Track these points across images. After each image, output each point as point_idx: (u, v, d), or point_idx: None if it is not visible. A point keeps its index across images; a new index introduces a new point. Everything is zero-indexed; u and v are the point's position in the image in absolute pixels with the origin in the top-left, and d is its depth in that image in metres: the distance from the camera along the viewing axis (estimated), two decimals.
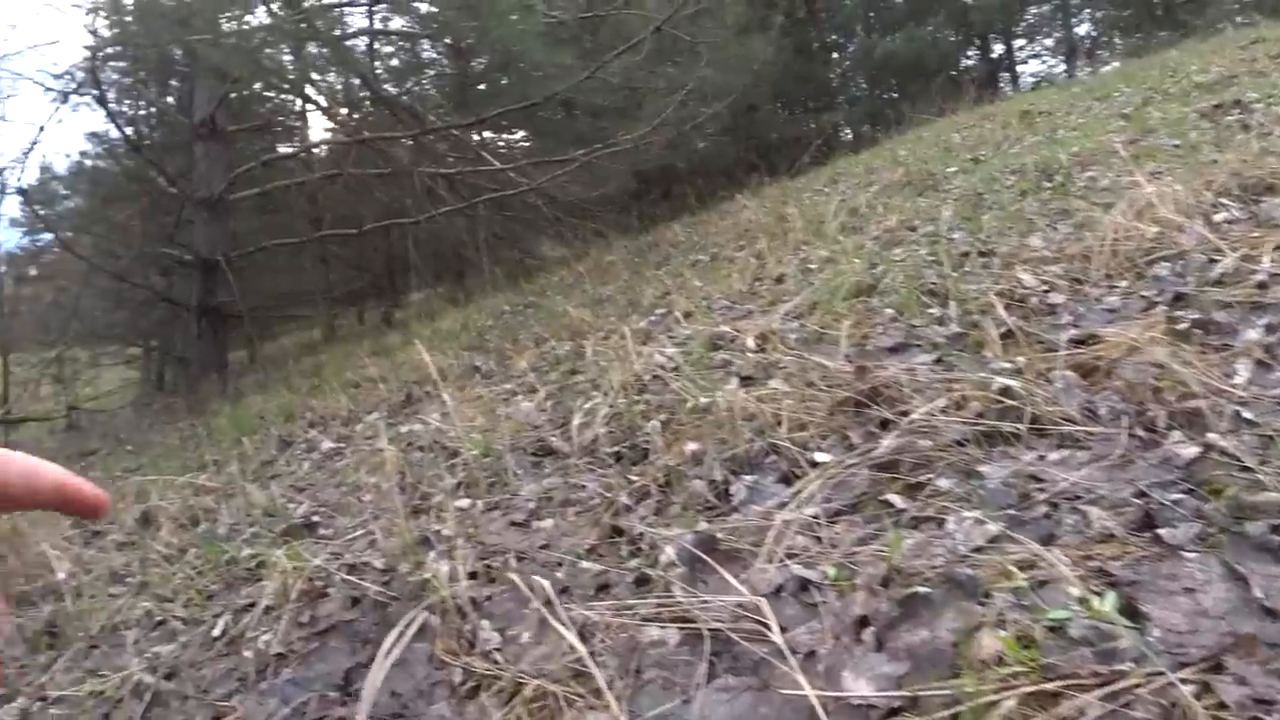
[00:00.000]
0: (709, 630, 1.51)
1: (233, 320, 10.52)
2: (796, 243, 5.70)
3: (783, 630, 1.46)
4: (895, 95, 20.48)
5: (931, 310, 3.07)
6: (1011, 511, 1.57)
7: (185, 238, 10.63)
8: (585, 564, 1.94)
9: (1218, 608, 1.19)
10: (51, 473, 0.42)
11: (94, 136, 16.14)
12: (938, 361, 2.52)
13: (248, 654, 2.01)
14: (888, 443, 1.95)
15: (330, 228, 11.50)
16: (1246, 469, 1.51)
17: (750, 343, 3.36)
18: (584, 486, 2.46)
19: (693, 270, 6.54)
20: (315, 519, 2.94)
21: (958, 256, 3.78)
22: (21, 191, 10.42)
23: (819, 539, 1.74)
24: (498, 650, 1.69)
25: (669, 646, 1.52)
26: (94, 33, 11.99)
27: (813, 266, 4.76)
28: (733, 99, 11.87)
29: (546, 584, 1.75)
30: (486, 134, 14.50)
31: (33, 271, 16.56)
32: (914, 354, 2.70)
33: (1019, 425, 1.88)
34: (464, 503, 2.65)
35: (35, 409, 11.30)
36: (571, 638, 1.55)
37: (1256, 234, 2.72)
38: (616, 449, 2.62)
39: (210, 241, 10.12)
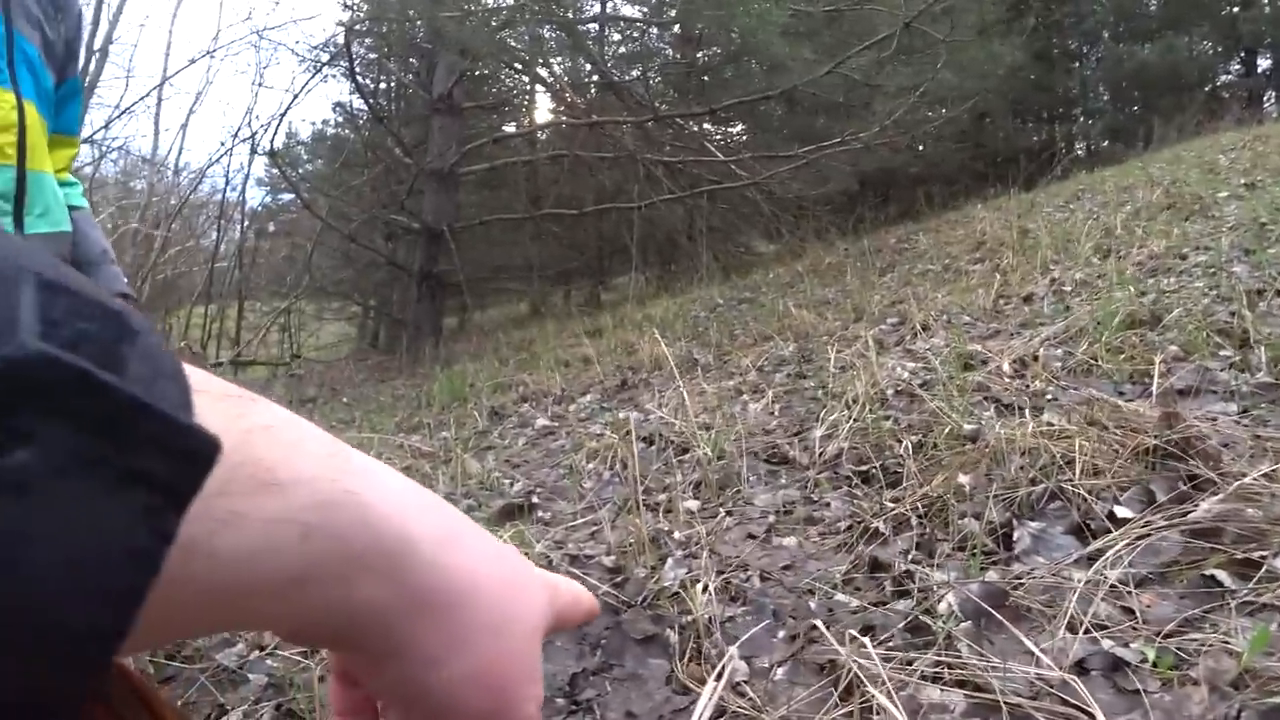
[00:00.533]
0: (1006, 704, 1.30)
1: (450, 288, 10.88)
2: (1044, 261, 5.29)
3: None
4: (1141, 110, 19.00)
5: (1225, 353, 2.71)
6: None
7: (414, 206, 11.06)
8: (841, 596, 1.75)
9: None
10: (586, 598, 0.43)
11: (338, 106, 17.18)
12: (1244, 413, 2.19)
13: None
14: (1206, 506, 1.67)
15: (550, 207, 11.69)
16: None
17: (1007, 367, 3.08)
18: (828, 505, 2.28)
19: (924, 280, 6.21)
20: (534, 499, 2.88)
21: (1250, 294, 3.35)
22: (271, 153, 11.11)
23: (1128, 610, 1.50)
24: (746, 683, 1.53)
25: (954, 714, 1.32)
26: (350, 8, 12.69)
27: (1067, 289, 4.39)
28: (971, 103, 11.28)
29: (819, 622, 1.58)
30: (706, 125, 14.43)
31: (271, 228, 17.79)
32: (1209, 401, 2.37)
33: None
34: (693, 504, 2.52)
35: (262, 355, 12.11)
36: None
37: None
38: (864, 468, 2.42)
39: (437, 211, 10.48)
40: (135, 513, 0.22)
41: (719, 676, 1.51)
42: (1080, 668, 1.38)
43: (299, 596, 0.29)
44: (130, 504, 0.21)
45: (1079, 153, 19.11)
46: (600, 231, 13.42)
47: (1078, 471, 1.93)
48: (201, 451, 0.23)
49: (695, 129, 12.09)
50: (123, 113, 14.02)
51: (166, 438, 0.22)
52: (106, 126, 13.30)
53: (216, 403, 0.26)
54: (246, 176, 19.92)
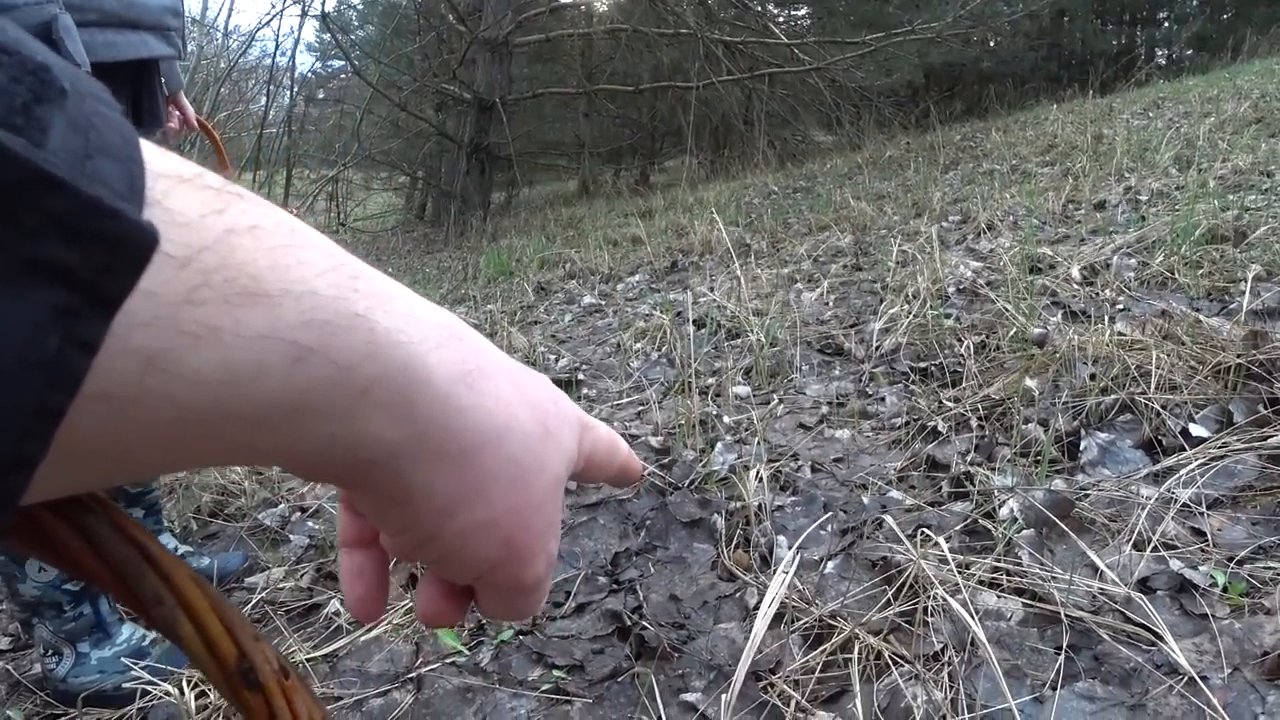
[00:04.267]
0: (1067, 617, 1.26)
1: (500, 161, 10.70)
2: (1119, 168, 5.07)
3: (1158, 638, 1.19)
4: (1232, 18, 17.98)
5: None
6: None
7: (465, 76, 10.80)
8: (895, 493, 1.71)
9: None
10: (624, 451, 0.40)
11: None
12: None
13: None
14: None
15: (605, 83, 11.38)
16: None
17: (1076, 273, 2.96)
18: (883, 400, 2.22)
19: (990, 180, 6.00)
20: (580, 376, 2.85)
21: None
22: (322, 16, 10.85)
23: (1198, 531, 1.43)
24: (796, 574, 1.50)
25: (1010, 623, 1.28)
26: None
27: (1142, 199, 4.20)
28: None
29: (887, 518, 1.53)
30: (770, 6, 13.90)
31: (321, 95, 17.55)
32: None
33: None
34: (743, 390, 2.47)
35: (309, 223, 12.07)
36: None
37: None
38: (923, 365, 2.35)
39: (489, 82, 10.24)
40: (43, 315, 0.17)
41: (781, 569, 1.47)
42: (1145, 586, 1.33)
43: (295, 430, 0.25)
44: (36, 303, 0.17)
45: (1160, 60, 18.26)
46: (655, 111, 13.10)
47: (1153, 385, 1.85)
48: (131, 242, 0.18)
49: (759, 8, 11.64)
50: None
51: (80, 221, 0.17)
52: None
53: (192, 193, 0.22)
54: (297, 41, 19.55)
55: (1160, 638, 1.16)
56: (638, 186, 11.94)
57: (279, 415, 0.25)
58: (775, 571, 1.43)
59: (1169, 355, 1.92)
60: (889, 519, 1.52)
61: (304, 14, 12.26)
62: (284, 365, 0.24)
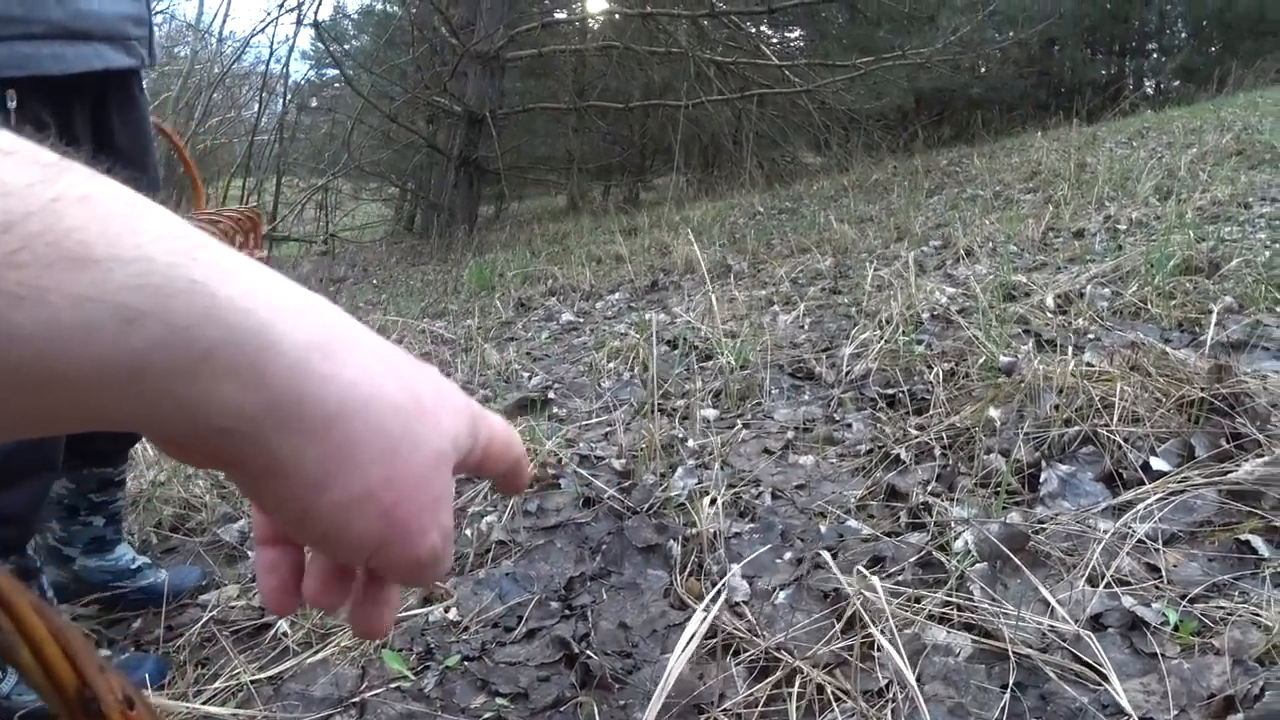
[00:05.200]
0: (1015, 654, 1.24)
1: (488, 175, 10.69)
2: (1100, 197, 5.09)
3: (1102, 678, 1.18)
4: (1219, 50, 18.13)
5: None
6: None
7: (456, 89, 10.80)
8: (852, 522, 1.69)
9: None
10: (519, 453, 0.41)
11: None
12: None
13: (469, 533, 1.91)
14: (1249, 467, 1.57)
15: (596, 100, 11.40)
16: None
17: (1050, 301, 2.96)
18: (850, 426, 2.20)
19: (972, 205, 6.02)
20: (550, 395, 2.83)
21: None
22: (316, 25, 10.84)
23: (1153, 568, 1.42)
24: (746, 604, 1.48)
25: (959, 659, 1.26)
26: None
27: (1121, 228, 4.22)
28: (1042, 27, 10.80)
29: (824, 551, 1.51)
30: (764, 28, 13.95)
31: (314, 103, 17.52)
32: (1261, 358, 2.24)
33: None
34: (711, 413, 2.45)
35: (298, 231, 12.06)
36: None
37: None
38: (891, 391, 2.34)
39: (480, 95, 10.23)
40: None
41: (715, 598, 1.45)
42: (1097, 623, 1.31)
43: (139, 392, 0.26)
44: None
45: (1148, 90, 18.39)
46: (644, 129, 13.12)
47: (1115, 417, 1.84)
48: None
49: (752, 29, 11.68)
50: None
51: None
52: None
53: (17, 166, 0.24)
54: (291, 49, 19.61)
55: (1105, 678, 1.15)
56: (626, 204, 11.95)
57: (119, 377, 0.25)
58: (714, 601, 1.41)
59: (1134, 387, 1.91)
60: (825, 554, 1.50)
61: (299, 22, 12.27)
62: (115, 326, 0.25)
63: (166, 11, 15.14)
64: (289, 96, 14.64)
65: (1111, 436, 1.78)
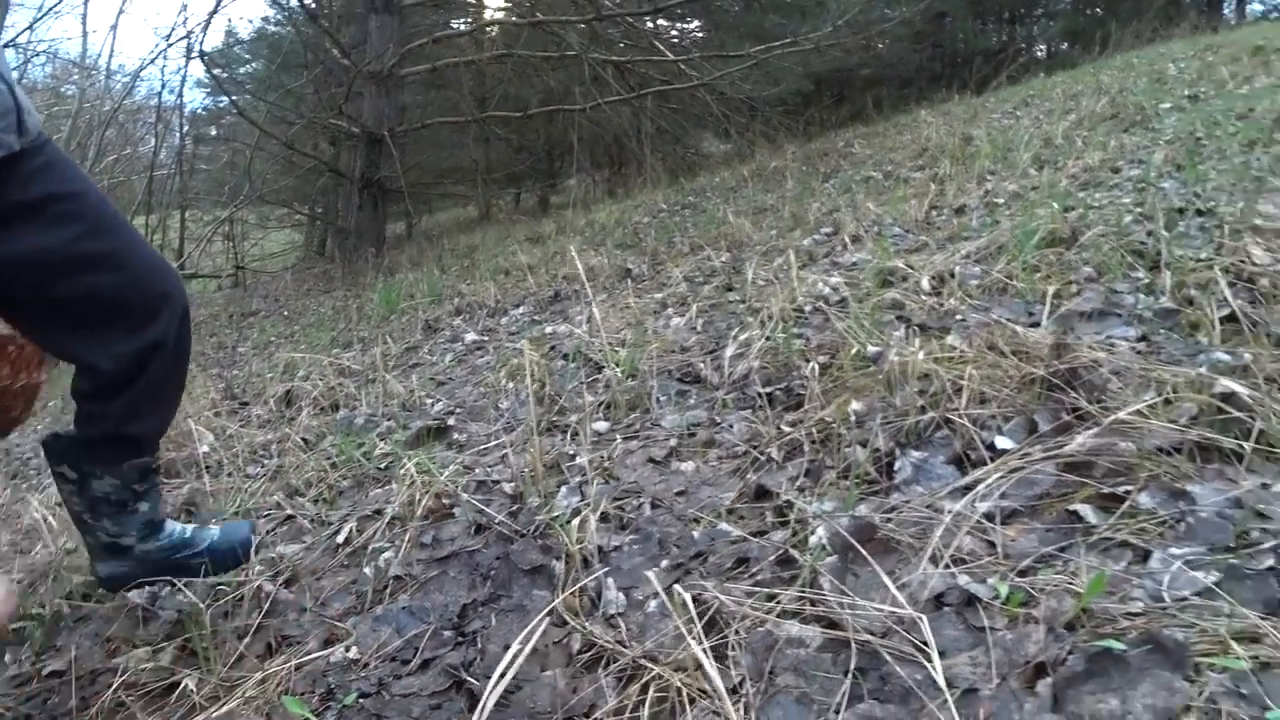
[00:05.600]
0: (857, 641, 1.33)
1: (394, 194, 10.64)
2: (981, 171, 5.28)
3: (941, 655, 1.27)
4: (1102, 12, 18.75)
5: (1137, 274, 2.72)
6: (1230, 559, 1.31)
7: (354, 110, 10.74)
8: (724, 525, 1.77)
9: None
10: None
11: (275, 3, 16.45)
12: (1142, 340, 2.21)
13: (368, 570, 1.95)
14: (1082, 439, 1.69)
15: (496, 108, 11.39)
16: None
17: (925, 284, 3.08)
18: (730, 427, 2.29)
19: (864, 187, 6.18)
20: (450, 421, 2.88)
21: (1170, 212, 3.36)
22: (202, 55, 10.66)
23: (991, 544, 1.52)
24: (620, 616, 1.55)
25: (809, 650, 1.35)
26: None
27: (999, 201, 4.38)
28: (928, 2, 11.07)
29: (682, 556, 1.59)
30: (661, 21, 14.05)
31: (212, 132, 17.17)
32: (1113, 324, 2.38)
33: (1243, 443, 1.59)
34: (602, 425, 2.52)
35: (206, 265, 11.86)
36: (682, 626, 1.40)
37: None
38: (770, 389, 2.43)
39: (377, 115, 10.18)
40: None
41: (579, 613, 1.52)
42: (939, 602, 1.41)
43: None
44: None
45: (1038, 54, 18.91)
46: (549, 134, 13.15)
47: (964, 400, 1.95)
48: None
49: (648, 25, 11.78)
50: (47, 13, 13.37)
51: None
52: (31, 28, 12.69)
53: None
54: (184, 79, 19.19)
55: (928, 652, 1.24)
56: (537, 210, 11.98)
57: None
58: (585, 615, 1.48)
59: (983, 369, 2.03)
60: (664, 564, 1.58)
61: (188, 52, 12.06)
62: None
63: (49, 50, 14.73)
64: (184, 128, 14.37)
65: (961, 420, 1.89)
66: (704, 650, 1.36)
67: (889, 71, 15.71)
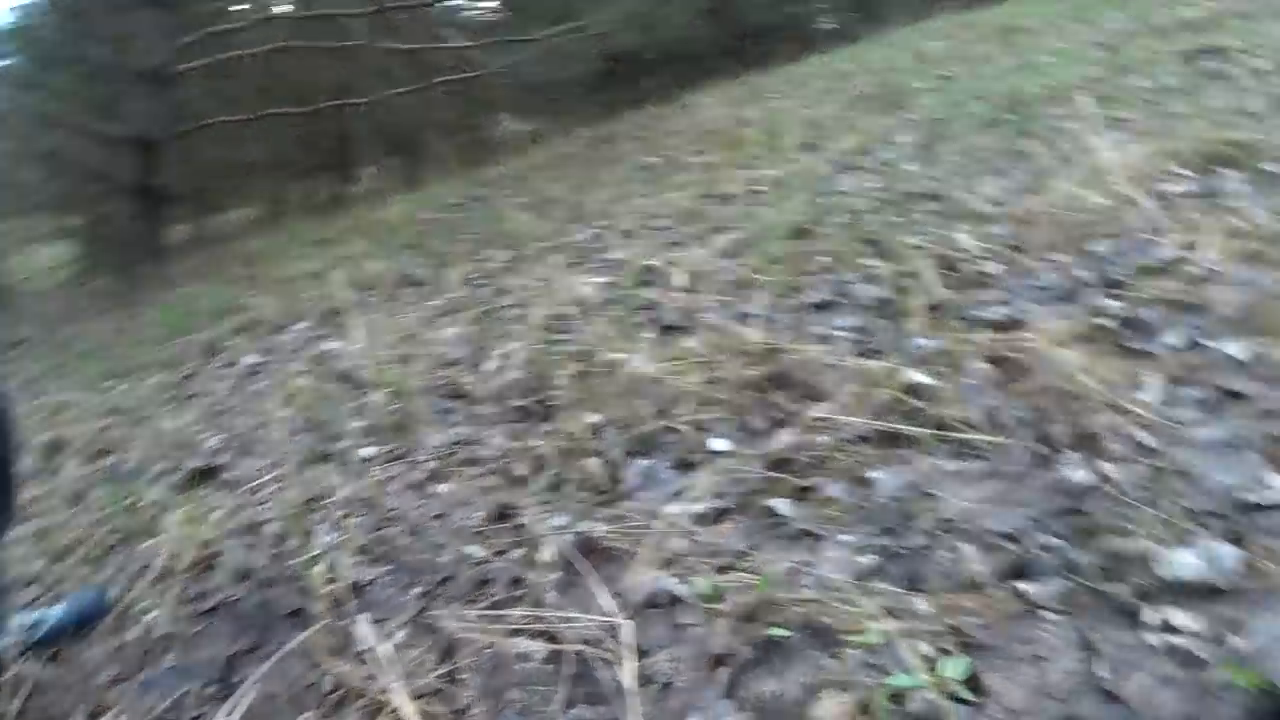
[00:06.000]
0: (574, 651, 1.47)
1: (173, 199, 10.13)
2: (750, 157, 5.51)
3: (643, 655, 1.43)
4: None
5: (867, 263, 2.95)
6: (889, 542, 1.53)
7: (126, 110, 10.12)
8: (469, 548, 1.88)
9: (1062, 685, 1.16)
10: None
11: None
12: (859, 330, 2.45)
13: (134, 633, 1.96)
14: (785, 436, 1.89)
15: (281, 103, 11.00)
16: (1132, 506, 1.47)
17: (679, 280, 3.26)
18: (487, 443, 2.39)
19: (642, 176, 6.34)
20: (223, 459, 2.86)
21: (905, 196, 3.66)
22: None
23: (701, 544, 1.70)
24: (370, 651, 1.64)
25: (534, 664, 1.49)
26: None
27: (762, 189, 4.60)
28: None
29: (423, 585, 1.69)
30: (454, 1, 13.86)
31: None
32: (841, 314, 2.61)
33: (922, 429, 1.82)
34: (370, 450, 2.57)
35: None
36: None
37: (1202, 216, 2.61)
38: (526, 401, 2.55)
39: (150, 116, 9.61)
40: None
41: (331, 653, 1.61)
42: (650, 605, 1.56)
43: None
44: None
45: (826, 26, 19.63)
46: (340, 127, 12.80)
47: (691, 404, 2.12)
48: None
49: (436, 9, 11.61)
50: None
51: None
52: None
53: None
54: None
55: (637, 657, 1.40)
56: (328, 206, 11.67)
57: None
58: (338, 654, 1.57)
59: (705, 371, 2.21)
60: (414, 593, 1.68)
61: None
62: None
63: None
64: None
65: (688, 423, 2.06)
66: (438, 676, 1.47)
67: (683, 50, 16.01)
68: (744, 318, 2.64)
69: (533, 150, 9.57)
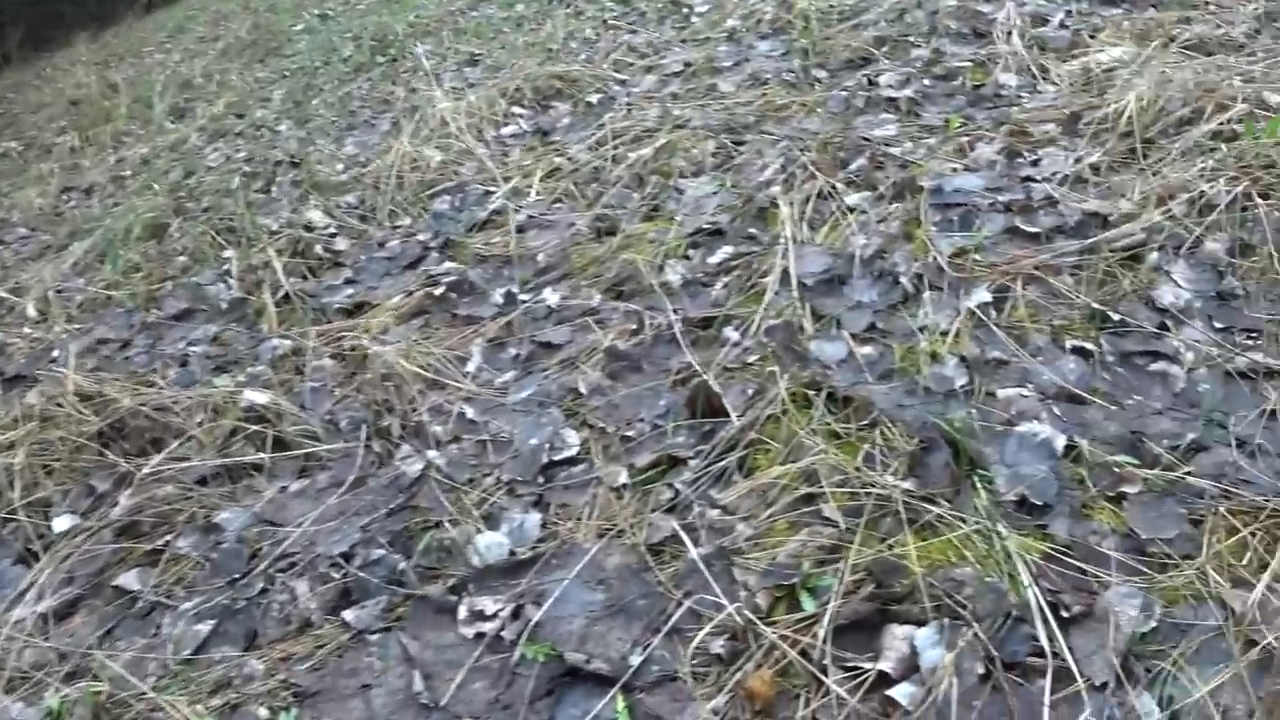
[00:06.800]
0: None
1: None
2: (116, 132, 4.98)
3: None
4: None
5: (226, 255, 2.79)
6: (231, 597, 1.48)
7: None
8: None
9: (387, 707, 1.22)
10: None
11: None
12: (215, 341, 2.33)
13: None
14: (125, 499, 1.75)
15: None
16: (458, 490, 1.56)
17: (32, 310, 2.87)
18: None
19: (7, 163, 5.50)
20: None
21: (273, 167, 3.52)
22: None
23: (50, 649, 1.53)
24: None
25: None
26: None
27: (127, 174, 4.18)
28: None
29: None
30: None
31: None
32: (199, 323, 2.46)
33: (262, 454, 1.78)
34: None
35: None
36: None
37: (532, 159, 2.77)
38: None
39: None
40: None
41: None
42: None
43: None
44: None
45: None
46: None
47: (30, 479, 1.89)
48: None
49: None
50: None
51: None
52: None
53: None
54: None
55: None
56: None
57: None
58: None
59: (40, 435, 1.96)
60: None
61: None
62: None
63: None
64: None
65: (25, 507, 1.83)
66: None
67: None
68: (92, 352, 2.40)
69: None
